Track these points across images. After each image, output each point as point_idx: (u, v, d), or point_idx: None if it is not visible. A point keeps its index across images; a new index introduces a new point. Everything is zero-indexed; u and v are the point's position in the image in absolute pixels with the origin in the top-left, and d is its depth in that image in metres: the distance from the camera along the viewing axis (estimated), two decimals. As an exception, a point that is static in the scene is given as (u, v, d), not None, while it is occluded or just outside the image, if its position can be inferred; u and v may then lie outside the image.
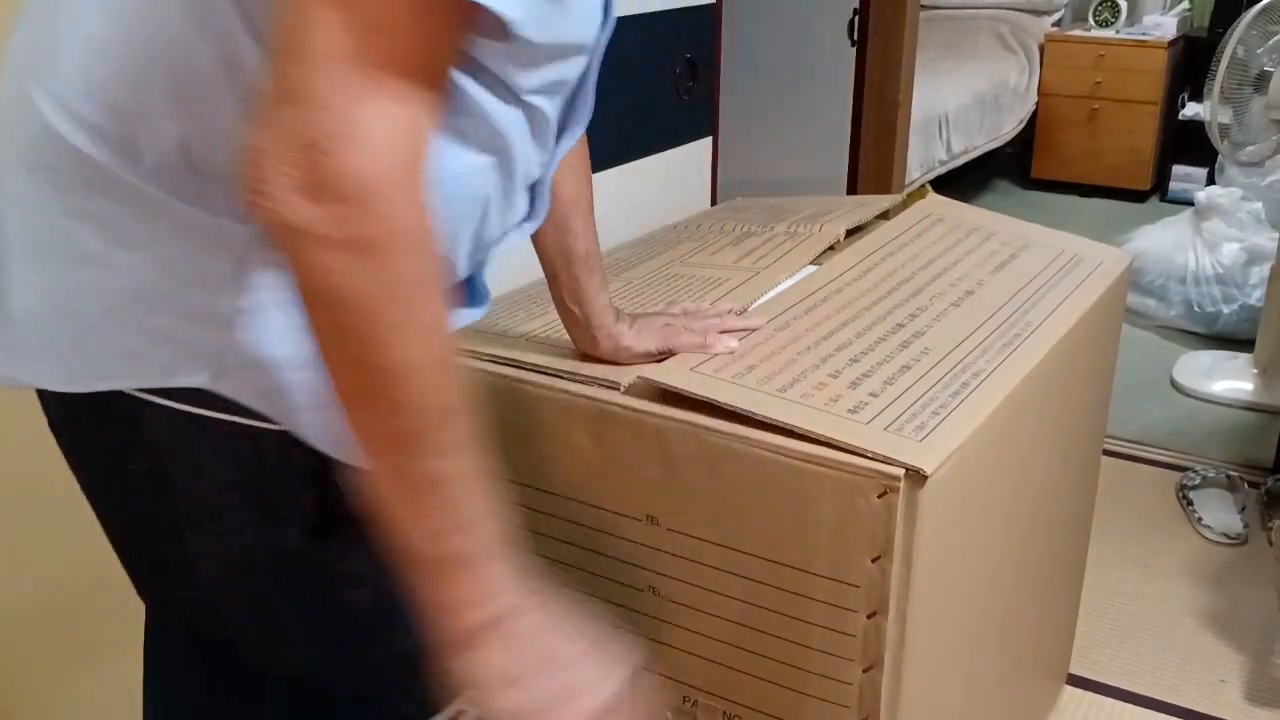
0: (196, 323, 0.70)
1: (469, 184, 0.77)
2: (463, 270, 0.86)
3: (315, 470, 0.74)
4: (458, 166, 0.74)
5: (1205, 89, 2.78)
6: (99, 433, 0.77)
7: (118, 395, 0.73)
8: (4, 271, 0.76)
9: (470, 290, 0.92)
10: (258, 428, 0.73)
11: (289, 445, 0.73)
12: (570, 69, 0.79)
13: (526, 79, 0.74)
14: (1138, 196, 4.71)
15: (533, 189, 0.89)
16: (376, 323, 0.60)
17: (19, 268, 0.75)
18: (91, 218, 0.70)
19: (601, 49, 0.84)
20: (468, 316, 0.92)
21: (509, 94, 0.75)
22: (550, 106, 0.80)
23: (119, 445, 0.76)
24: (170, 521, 0.77)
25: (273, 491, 0.75)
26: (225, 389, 0.71)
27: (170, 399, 0.72)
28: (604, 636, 0.73)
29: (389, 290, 0.59)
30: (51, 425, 0.83)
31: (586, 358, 1.19)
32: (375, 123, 0.57)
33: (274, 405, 0.72)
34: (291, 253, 0.58)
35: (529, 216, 0.92)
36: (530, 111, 0.78)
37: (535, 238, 1.11)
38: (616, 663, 0.73)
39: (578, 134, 0.89)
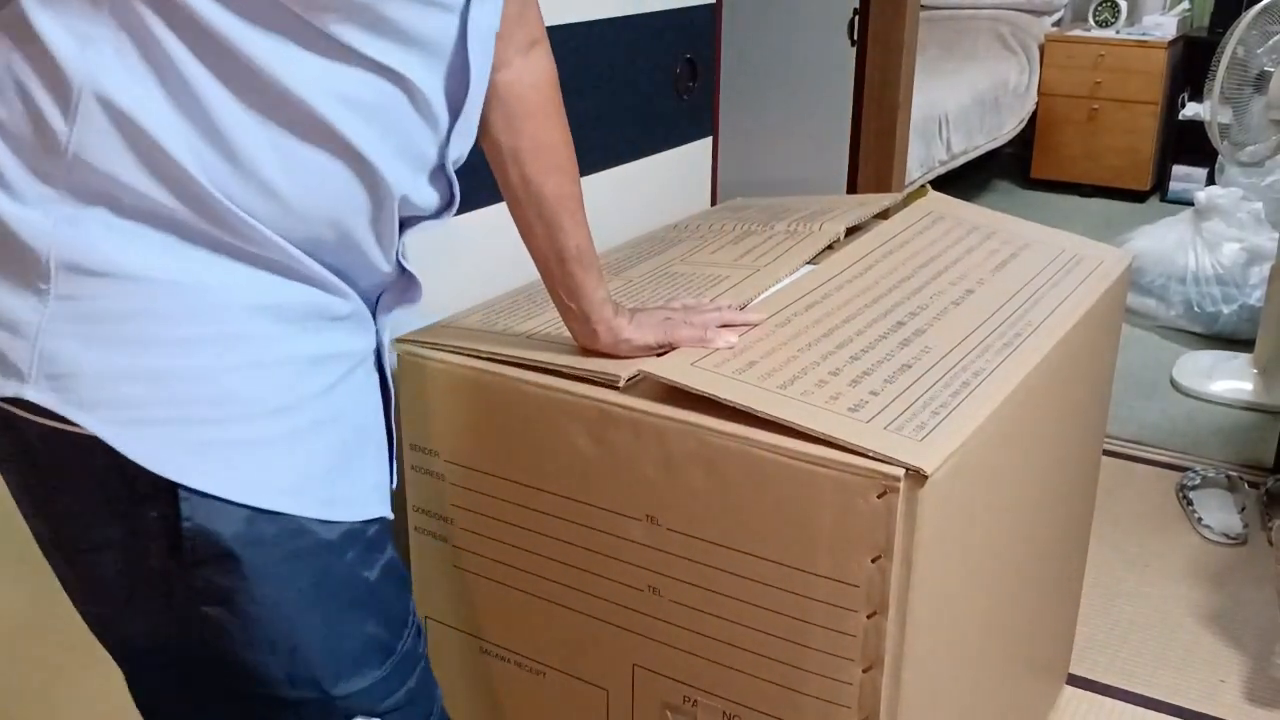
0: None
1: (310, 167, 0.75)
2: (384, 263, 0.85)
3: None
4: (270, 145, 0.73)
5: (1205, 89, 2.78)
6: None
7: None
8: None
9: (407, 282, 0.91)
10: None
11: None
12: (417, 20, 0.77)
13: (365, 37, 0.74)
14: (1138, 196, 4.71)
15: (445, 175, 0.88)
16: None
17: None
18: None
19: (478, 14, 0.83)
20: (410, 310, 0.92)
21: (353, 56, 0.74)
22: (416, 66, 0.79)
23: None
24: None
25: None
26: None
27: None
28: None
29: None
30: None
31: (586, 352, 1.19)
32: None
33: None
34: None
35: (448, 203, 0.91)
36: (398, 82, 0.77)
37: (526, 237, 1.11)
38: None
39: (474, 111, 0.88)
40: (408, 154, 0.82)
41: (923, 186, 1.71)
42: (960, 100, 4.14)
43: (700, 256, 1.49)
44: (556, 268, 1.12)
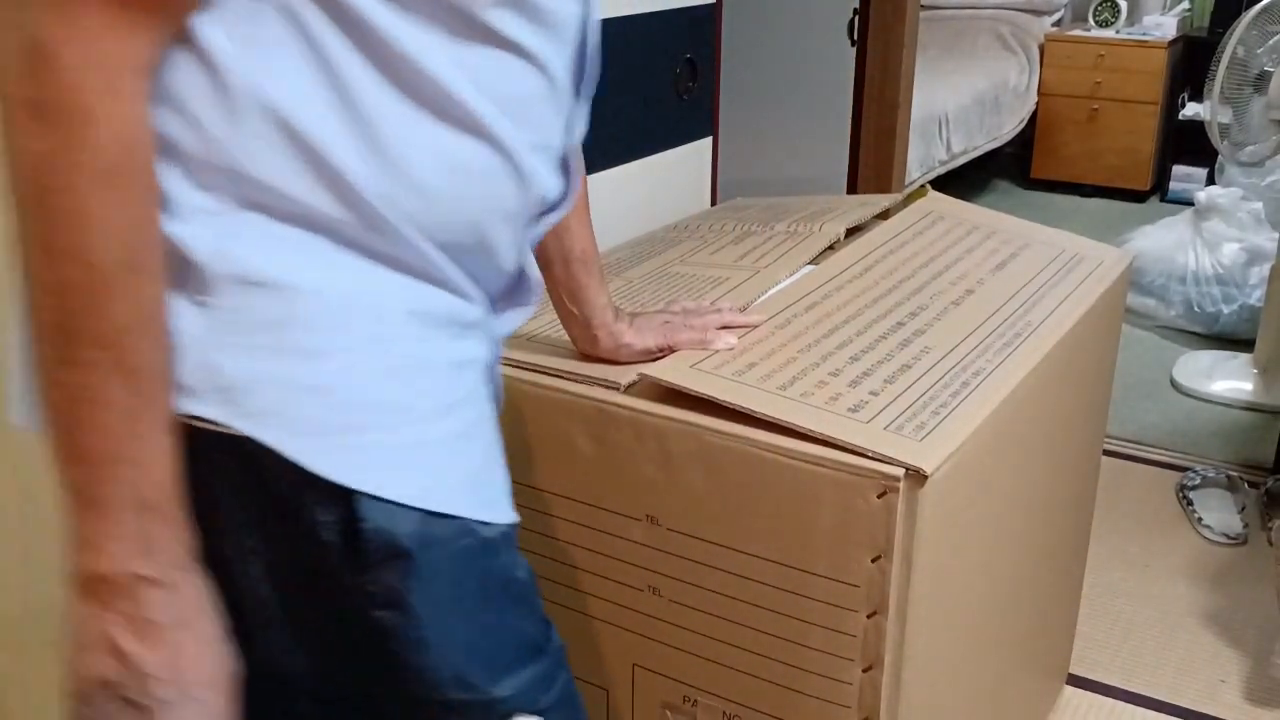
0: None
1: (455, 156, 0.75)
2: (509, 264, 0.84)
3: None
4: (424, 140, 0.73)
5: (1205, 89, 2.79)
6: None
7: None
8: None
9: (522, 286, 0.90)
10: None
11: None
12: (559, 5, 0.77)
13: (496, 12, 0.73)
14: (1138, 196, 4.71)
15: (565, 164, 0.88)
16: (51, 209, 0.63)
17: None
18: None
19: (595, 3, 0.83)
20: (522, 315, 0.91)
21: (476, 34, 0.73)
22: (552, 54, 0.79)
23: None
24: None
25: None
26: None
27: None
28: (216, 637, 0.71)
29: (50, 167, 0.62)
30: None
31: (586, 357, 1.19)
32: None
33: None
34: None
35: (565, 194, 0.90)
36: (542, 70, 0.78)
37: None
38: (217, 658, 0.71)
39: (589, 96, 0.89)
40: (542, 146, 0.82)
41: (923, 186, 1.71)
42: (960, 100, 4.14)
43: (700, 257, 1.50)
44: (560, 270, 1.11)
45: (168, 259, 0.68)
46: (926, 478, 0.99)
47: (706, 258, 1.49)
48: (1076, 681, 1.92)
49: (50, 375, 0.65)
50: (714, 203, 2.03)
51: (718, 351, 1.17)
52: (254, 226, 0.70)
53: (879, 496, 1.00)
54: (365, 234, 0.73)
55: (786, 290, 1.34)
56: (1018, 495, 1.27)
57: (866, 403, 1.08)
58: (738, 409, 1.07)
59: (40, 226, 0.63)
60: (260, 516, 0.73)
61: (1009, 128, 4.57)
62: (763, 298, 1.32)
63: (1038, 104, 4.76)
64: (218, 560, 0.73)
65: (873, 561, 1.02)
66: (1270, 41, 2.69)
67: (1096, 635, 2.05)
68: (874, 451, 1.00)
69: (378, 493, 0.73)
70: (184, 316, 0.69)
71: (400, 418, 0.75)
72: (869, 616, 1.04)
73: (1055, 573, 1.56)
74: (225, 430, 0.70)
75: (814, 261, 1.44)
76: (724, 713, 1.16)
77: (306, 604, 0.76)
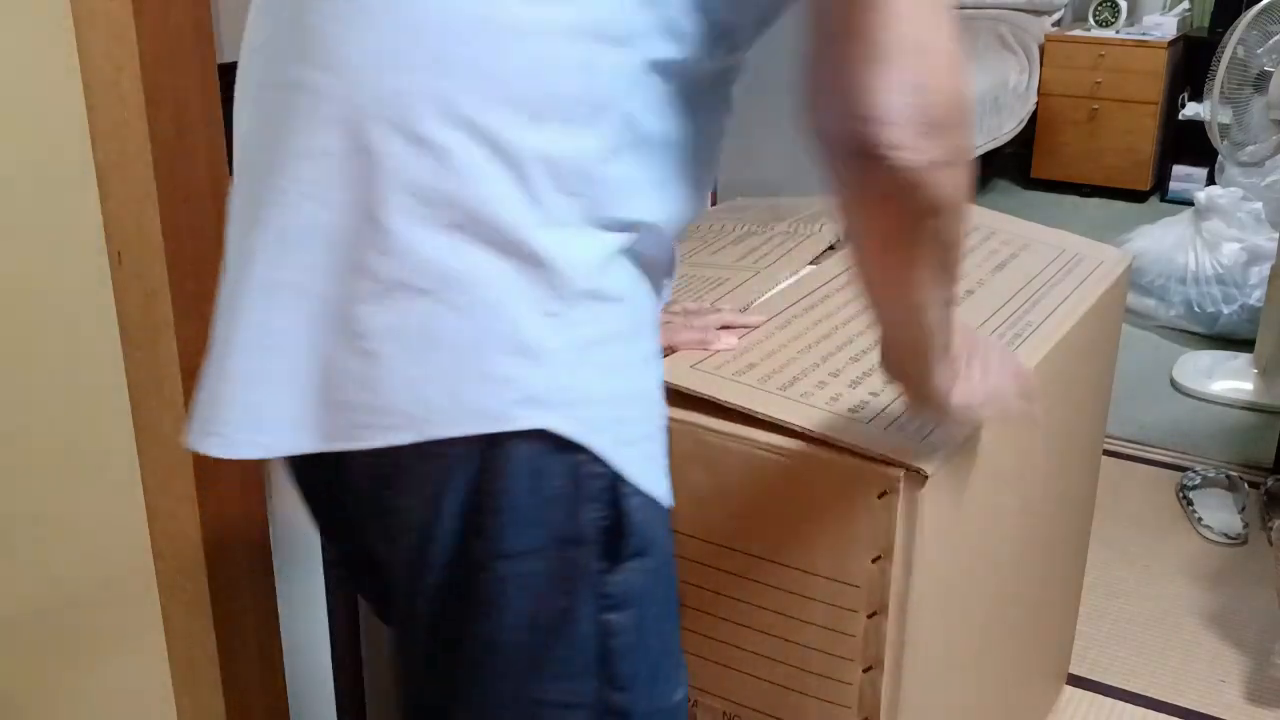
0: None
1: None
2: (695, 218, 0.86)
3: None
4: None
5: (1205, 89, 2.79)
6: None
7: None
8: None
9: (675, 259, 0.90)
10: None
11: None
12: None
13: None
14: (1138, 196, 4.71)
15: None
16: (959, 213, 0.70)
17: None
18: None
19: None
20: (670, 286, 0.91)
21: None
22: None
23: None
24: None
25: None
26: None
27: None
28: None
29: (966, 185, 0.69)
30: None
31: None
32: (953, 48, 0.62)
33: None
34: (911, 185, 0.65)
35: None
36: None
37: None
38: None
39: None
40: None
41: (923, 187, 1.71)
42: (960, 100, 4.13)
43: (700, 257, 1.50)
44: None
45: (532, 269, 0.69)
46: (926, 478, 0.99)
47: (707, 258, 1.49)
48: (1076, 681, 1.92)
49: (939, 320, 0.80)
50: (714, 203, 2.03)
51: (718, 352, 1.17)
52: (610, 242, 0.72)
53: (879, 496, 1.00)
54: (651, 246, 0.76)
55: (787, 290, 1.34)
56: (1018, 495, 1.27)
57: (867, 403, 1.08)
58: (738, 409, 1.07)
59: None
60: (549, 518, 0.73)
61: (1009, 127, 4.56)
62: (763, 298, 1.32)
63: (1038, 104, 4.76)
64: (491, 557, 0.72)
65: (873, 561, 1.02)
66: (1270, 41, 2.69)
67: (1096, 635, 2.05)
68: (874, 452, 1.00)
69: (651, 491, 0.75)
70: (537, 330, 0.70)
71: (659, 419, 0.79)
72: (869, 616, 1.04)
73: (1055, 573, 1.56)
74: (563, 438, 0.70)
75: (814, 261, 1.44)
76: (724, 713, 1.16)
77: (542, 604, 0.75)
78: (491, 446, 0.69)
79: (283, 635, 1.34)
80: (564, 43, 0.69)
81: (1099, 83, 4.65)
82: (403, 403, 0.69)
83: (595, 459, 0.72)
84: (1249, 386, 2.94)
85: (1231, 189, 3.42)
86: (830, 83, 0.64)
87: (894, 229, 0.71)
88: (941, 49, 0.63)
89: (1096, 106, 4.68)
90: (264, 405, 0.72)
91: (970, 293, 1.35)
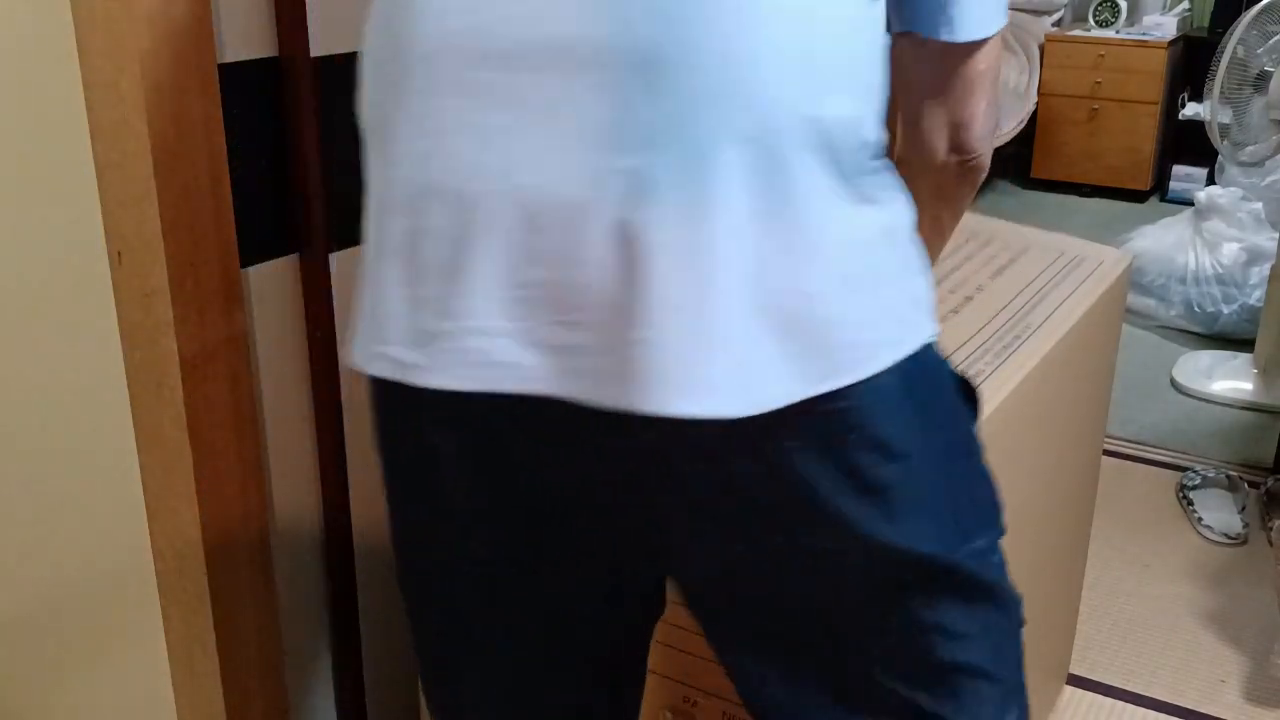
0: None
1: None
2: None
3: None
4: None
5: (1205, 89, 2.79)
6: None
7: None
8: None
9: None
10: None
11: None
12: None
13: None
14: (1138, 196, 4.72)
15: None
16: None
17: None
18: None
19: None
20: None
21: None
22: None
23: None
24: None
25: None
26: None
27: None
28: None
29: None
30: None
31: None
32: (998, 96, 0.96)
33: None
34: (980, 170, 0.99)
35: None
36: None
37: None
38: None
39: None
40: None
41: (923, 187, 1.71)
42: (960, 100, 4.13)
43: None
44: None
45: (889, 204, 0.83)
46: (926, 478, 0.98)
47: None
48: (1076, 681, 1.92)
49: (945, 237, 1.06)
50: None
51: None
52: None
53: (879, 497, 1.00)
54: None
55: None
56: (1018, 496, 1.27)
57: (866, 403, 1.08)
58: (738, 409, 1.06)
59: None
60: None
61: (1009, 127, 4.56)
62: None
63: (1038, 104, 4.76)
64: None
65: (873, 562, 1.02)
66: (1270, 41, 2.69)
67: (1096, 635, 2.05)
68: (874, 452, 1.00)
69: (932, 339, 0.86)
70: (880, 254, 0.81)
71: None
72: (869, 617, 1.04)
73: (1055, 572, 1.56)
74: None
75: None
76: (724, 713, 1.16)
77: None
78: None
79: (283, 635, 1.34)
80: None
81: (1099, 83, 4.65)
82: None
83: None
84: (1249, 386, 2.95)
85: (1231, 189, 3.42)
86: (947, 120, 0.94)
87: (956, 194, 1.01)
88: (996, 101, 0.95)
89: (1096, 106, 4.69)
90: (753, 364, 0.74)
91: (969, 299, 1.35)
